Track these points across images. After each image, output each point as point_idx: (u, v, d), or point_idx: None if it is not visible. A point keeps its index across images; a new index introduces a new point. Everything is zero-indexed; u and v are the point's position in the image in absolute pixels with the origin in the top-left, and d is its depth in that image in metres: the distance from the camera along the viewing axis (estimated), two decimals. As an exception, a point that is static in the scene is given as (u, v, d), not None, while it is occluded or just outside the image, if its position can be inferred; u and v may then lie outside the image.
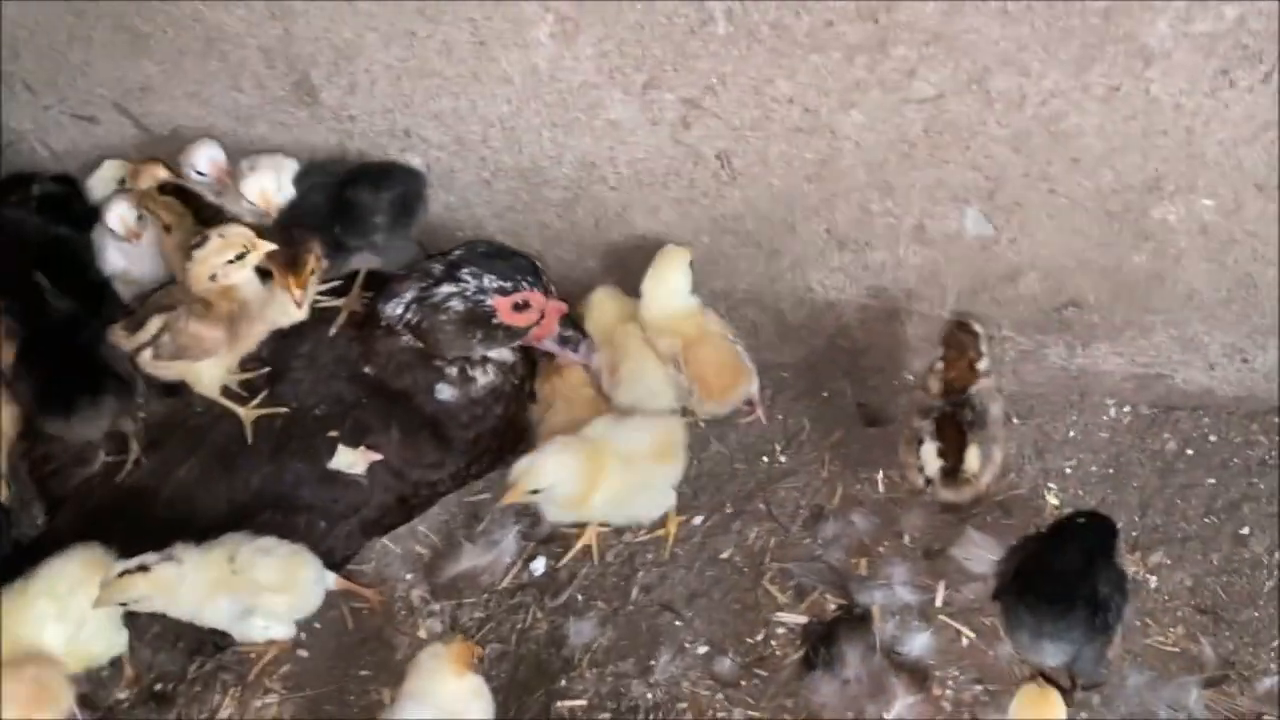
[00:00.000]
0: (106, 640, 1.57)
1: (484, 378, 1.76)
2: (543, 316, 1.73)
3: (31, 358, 1.64)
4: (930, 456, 1.64)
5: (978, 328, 1.67)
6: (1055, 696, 1.43)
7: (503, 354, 1.78)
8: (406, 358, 1.74)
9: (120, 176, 1.89)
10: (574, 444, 1.65)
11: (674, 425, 1.73)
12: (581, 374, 1.83)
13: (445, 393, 1.75)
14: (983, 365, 1.67)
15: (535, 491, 1.61)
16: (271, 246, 1.62)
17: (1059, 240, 1.66)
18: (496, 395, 1.78)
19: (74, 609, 1.53)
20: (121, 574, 1.48)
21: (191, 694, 1.64)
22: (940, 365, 1.66)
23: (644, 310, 1.79)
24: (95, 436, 1.66)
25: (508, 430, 1.80)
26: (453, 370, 1.75)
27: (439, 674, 1.46)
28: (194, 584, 1.52)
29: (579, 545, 1.73)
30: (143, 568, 1.49)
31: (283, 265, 1.59)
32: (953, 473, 1.65)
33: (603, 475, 1.64)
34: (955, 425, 1.65)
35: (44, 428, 1.68)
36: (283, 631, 1.62)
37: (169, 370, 1.66)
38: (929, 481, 1.65)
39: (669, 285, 1.77)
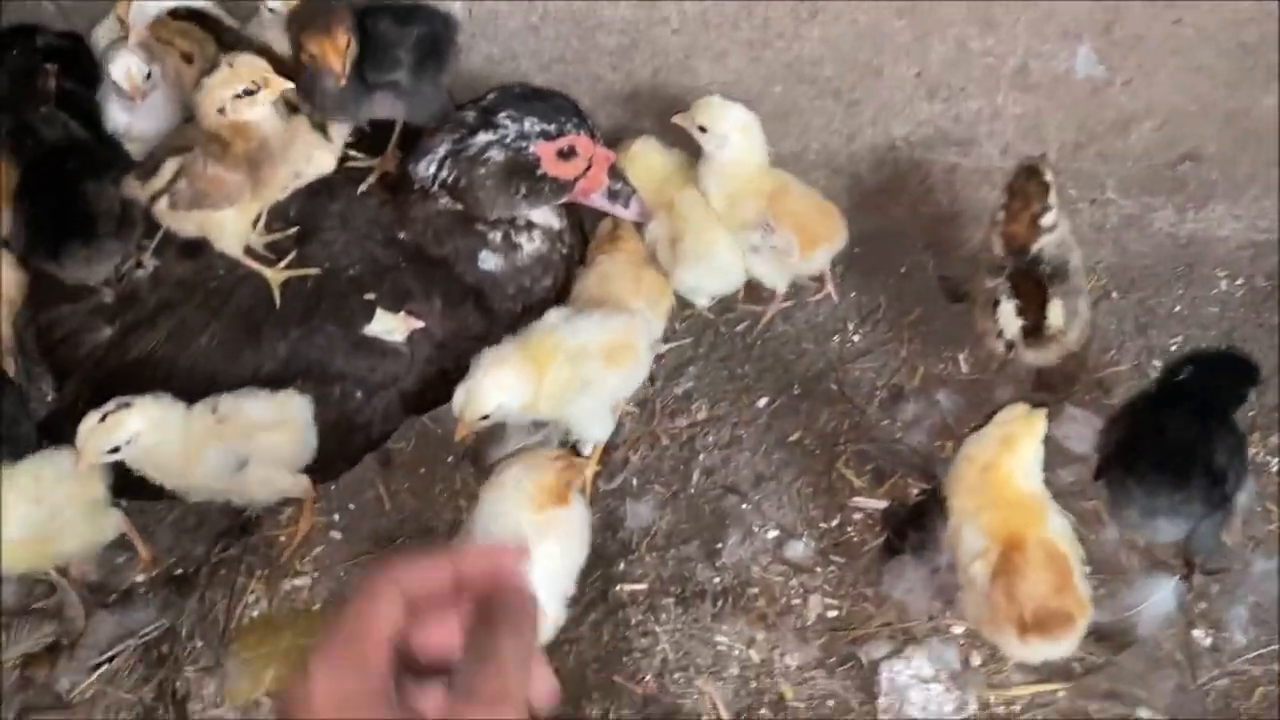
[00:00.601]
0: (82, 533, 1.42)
1: (530, 245, 1.57)
2: (590, 166, 1.53)
3: (23, 195, 1.48)
4: (1009, 317, 1.46)
5: (1049, 177, 1.46)
6: (1041, 423, 1.30)
7: (549, 219, 1.59)
8: (445, 222, 1.55)
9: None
10: (503, 352, 1.42)
11: (634, 327, 1.51)
12: (638, 246, 1.68)
13: (489, 261, 1.56)
14: (1047, 220, 1.46)
15: (486, 418, 1.41)
16: (289, 85, 1.44)
17: (1180, 81, 1.48)
18: (544, 265, 1.59)
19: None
20: (104, 416, 1.34)
21: (214, 578, 1.52)
22: (1001, 216, 1.46)
23: (712, 177, 1.59)
24: (92, 280, 1.50)
25: (558, 304, 1.66)
26: (496, 236, 1.55)
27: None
28: (180, 437, 1.36)
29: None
30: (124, 404, 1.34)
31: (317, 35, 1.42)
32: (1035, 331, 1.47)
33: (545, 371, 1.43)
34: (1032, 280, 1.47)
35: (36, 265, 1.51)
36: (290, 483, 1.44)
37: (188, 222, 1.48)
38: (1010, 346, 1.48)
39: (746, 141, 1.57)
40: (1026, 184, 1.48)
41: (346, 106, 1.57)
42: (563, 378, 1.44)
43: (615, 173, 1.60)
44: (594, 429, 1.54)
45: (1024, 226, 1.44)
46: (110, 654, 1.44)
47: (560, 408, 1.48)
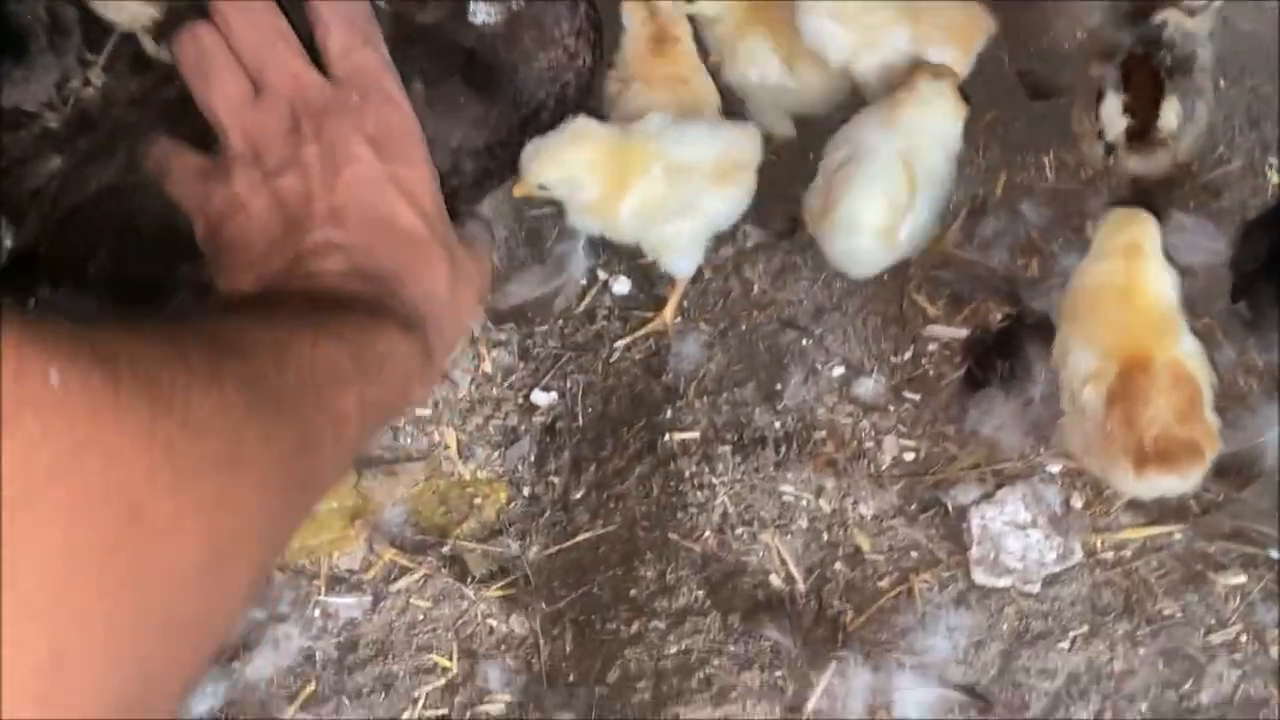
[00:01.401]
0: None
1: None
2: None
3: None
4: (1113, 114, 1.24)
5: None
6: (1152, 224, 1.16)
7: None
8: None
9: None
10: (595, 131, 1.24)
11: (748, 139, 1.30)
12: (692, 58, 1.46)
13: (481, 13, 1.26)
14: None
15: (545, 188, 1.24)
16: None
17: None
18: (555, 21, 1.28)
19: None
20: None
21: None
22: None
23: None
24: (30, 103, 1.31)
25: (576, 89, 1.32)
26: None
27: None
28: None
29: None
30: None
31: None
32: (1143, 134, 1.25)
33: (635, 179, 1.24)
34: (1148, 71, 1.25)
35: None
36: None
37: (121, 13, 1.28)
38: (1110, 149, 1.26)
39: None
40: None
41: None
42: (655, 195, 1.25)
43: None
44: (682, 261, 1.35)
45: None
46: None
47: (646, 231, 1.29)
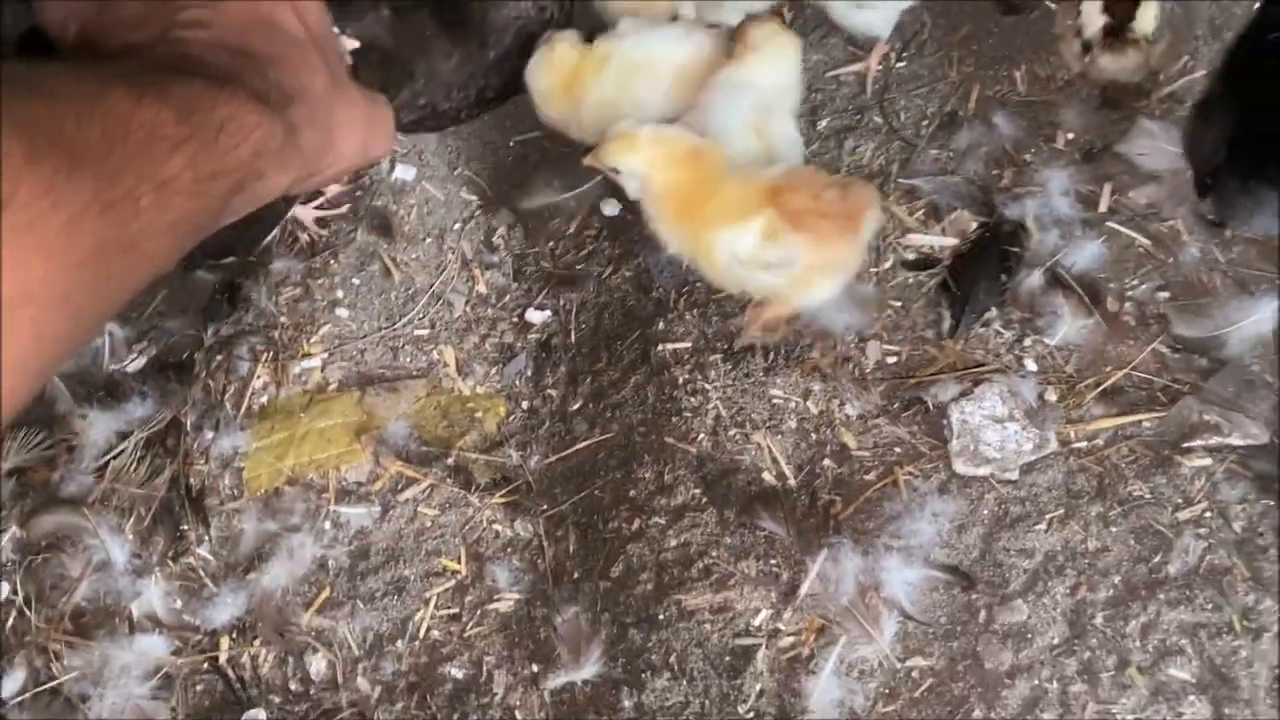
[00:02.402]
0: None
1: None
2: None
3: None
4: (1092, 13, 1.29)
5: None
6: None
7: None
8: None
9: None
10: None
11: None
12: None
13: None
14: None
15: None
16: None
17: None
18: None
19: None
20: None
21: (213, 364, 1.40)
22: None
23: None
24: None
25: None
26: None
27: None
28: None
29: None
30: None
31: None
32: (1118, 31, 1.29)
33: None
34: None
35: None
36: None
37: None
38: (1087, 48, 1.30)
39: None
40: None
41: None
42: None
43: None
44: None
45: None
46: (113, 453, 1.35)
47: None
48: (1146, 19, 1.32)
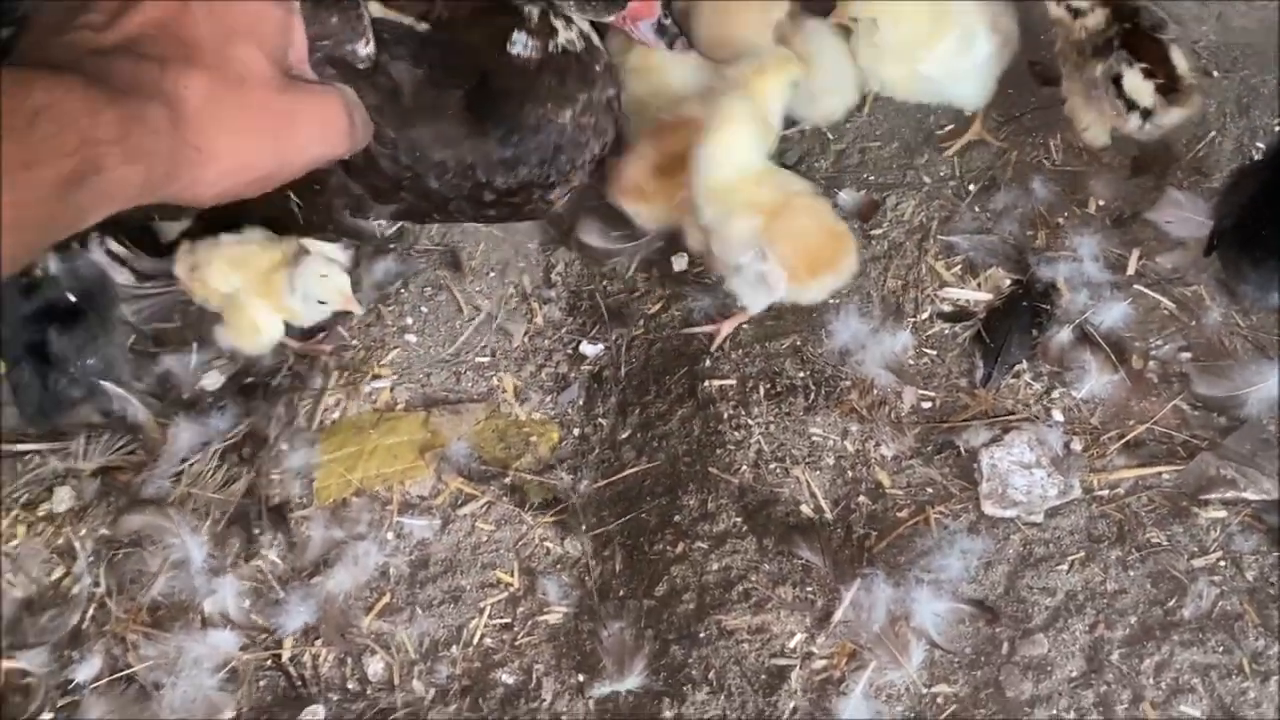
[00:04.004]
0: None
1: (566, 34, 1.33)
2: None
3: None
4: (1138, 83, 1.38)
5: None
6: None
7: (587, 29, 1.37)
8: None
9: None
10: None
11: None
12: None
13: (519, 44, 1.30)
14: None
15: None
16: None
17: None
18: (581, 75, 1.33)
19: None
20: None
21: (292, 384, 1.48)
22: None
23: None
24: None
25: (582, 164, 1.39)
26: (534, 12, 1.31)
27: None
28: None
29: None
30: None
31: None
32: (1171, 85, 1.38)
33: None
34: (1143, 37, 1.39)
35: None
36: None
37: None
38: (1148, 114, 1.39)
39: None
40: None
41: None
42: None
43: (669, 8, 1.43)
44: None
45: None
46: (191, 460, 1.44)
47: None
48: (1182, 61, 1.41)
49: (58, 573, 1.40)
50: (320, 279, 1.41)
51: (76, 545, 1.39)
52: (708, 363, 1.45)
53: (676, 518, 1.34)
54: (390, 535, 1.37)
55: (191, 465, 1.41)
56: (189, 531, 1.37)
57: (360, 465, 1.39)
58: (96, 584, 1.37)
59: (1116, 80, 1.40)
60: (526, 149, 1.33)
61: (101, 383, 1.45)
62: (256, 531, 1.38)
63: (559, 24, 1.35)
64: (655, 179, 1.46)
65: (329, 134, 0.99)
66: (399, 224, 1.58)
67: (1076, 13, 1.42)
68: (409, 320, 1.53)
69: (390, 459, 1.40)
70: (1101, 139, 1.48)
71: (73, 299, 1.42)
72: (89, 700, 1.32)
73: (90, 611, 1.36)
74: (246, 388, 1.49)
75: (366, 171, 1.34)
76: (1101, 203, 1.50)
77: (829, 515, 1.33)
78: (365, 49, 1.27)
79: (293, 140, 0.96)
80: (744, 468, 1.36)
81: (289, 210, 1.44)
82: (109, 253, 1.48)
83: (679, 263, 1.54)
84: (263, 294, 1.42)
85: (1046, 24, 1.60)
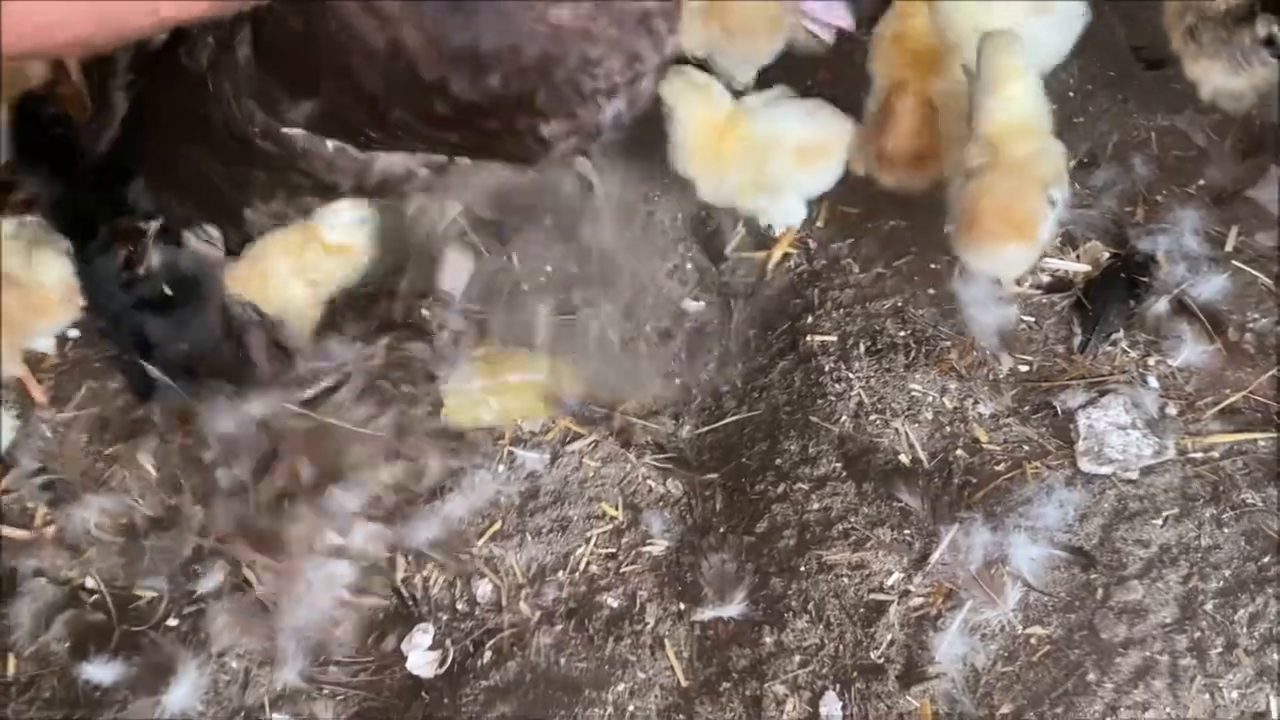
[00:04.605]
0: None
1: None
2: None
3: None
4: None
5: None
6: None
7: None
8: None
9: None
10: None
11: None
12: None
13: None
14: None
15: None
16: None
17: None
18: None
19: None
20: None
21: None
22: None
23: None
24: None
25: None
26: None
27: None
28: None
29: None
30: None
31: None
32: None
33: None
34: None
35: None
36: None
37: None
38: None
39: None
40: None
41: None
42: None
43: None
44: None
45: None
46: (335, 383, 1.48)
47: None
48: None
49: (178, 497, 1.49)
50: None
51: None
52: (809, 319, 1.50)
53: (778, 461, 1.39)
54: (502, 467, 1.44)
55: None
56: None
57: (487, 400, 1.45)
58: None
59: (1269, 41, 1.44)
60: (494, 42, 0.92)
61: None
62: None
63: None
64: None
65: None
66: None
67: None
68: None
69: (513, 397, 1.46)
70: (1246, 100, 1.49)
71: (169, 292, 1.49)
72: (211, 612, 1.39)
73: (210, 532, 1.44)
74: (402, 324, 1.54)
75: (272, 45, 1.04)
76: (1202, 182, 1.54)
77: (927, 465, 1.37)
78: None
79: None
80: (844, 418, 1.40)
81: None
82: (206, 240, 1.58)
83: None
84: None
85: (1153, 10, 1.66)
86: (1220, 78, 1.47)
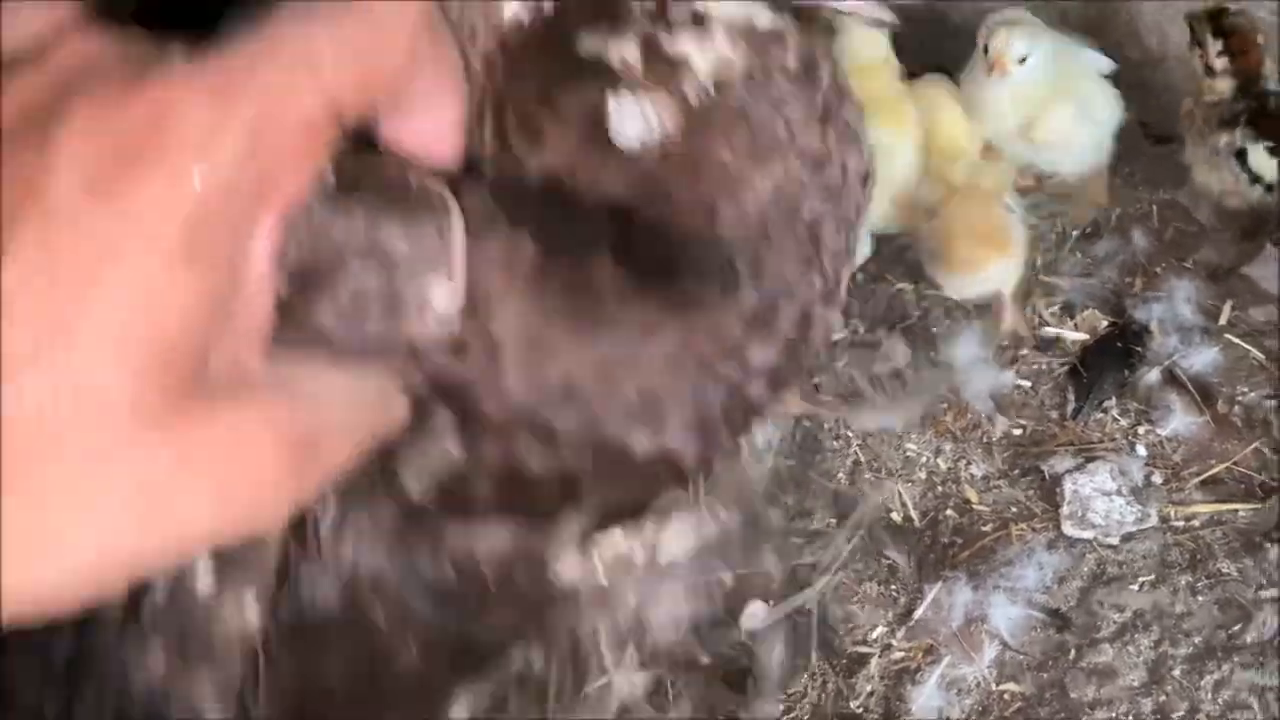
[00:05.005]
0: None
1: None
2: None
3: None
4: (1265, 161, 1.48)
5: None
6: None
7: None
8: None
9: None
10: None
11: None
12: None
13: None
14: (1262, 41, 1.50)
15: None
16: None
17: None
18: None
19: None
20: None
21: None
22: (1220, 60, 1.48)
23: None
24: None
25: None
26: None
27: None
28: None
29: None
30: None
31: None
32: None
33: None
34: (1269, 116, 1.48)
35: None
36: None
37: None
38: (1271, 188, 1.49)
39: None
40: (1230, 19, 1.50)
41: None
42: None
43: None
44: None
45: (1254, 59, 1.47)
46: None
47: None
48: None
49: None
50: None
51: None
52: (811, 377, 1.58)
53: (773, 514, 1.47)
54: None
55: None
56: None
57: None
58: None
59: (1240, 154, 1.51)
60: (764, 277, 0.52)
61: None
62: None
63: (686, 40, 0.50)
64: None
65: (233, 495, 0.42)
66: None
67: (1209, 70, 1.53)
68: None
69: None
70: (1228, 201, 1.56)
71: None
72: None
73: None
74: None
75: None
76: (1198, 257, 1.59)
77: (918, 524, 1.44)
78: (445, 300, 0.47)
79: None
80: (840, 474, 1.48)
81: None
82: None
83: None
84: None
85: (1161, 86, 1.72)
86: (1202, 172, 1.53)
